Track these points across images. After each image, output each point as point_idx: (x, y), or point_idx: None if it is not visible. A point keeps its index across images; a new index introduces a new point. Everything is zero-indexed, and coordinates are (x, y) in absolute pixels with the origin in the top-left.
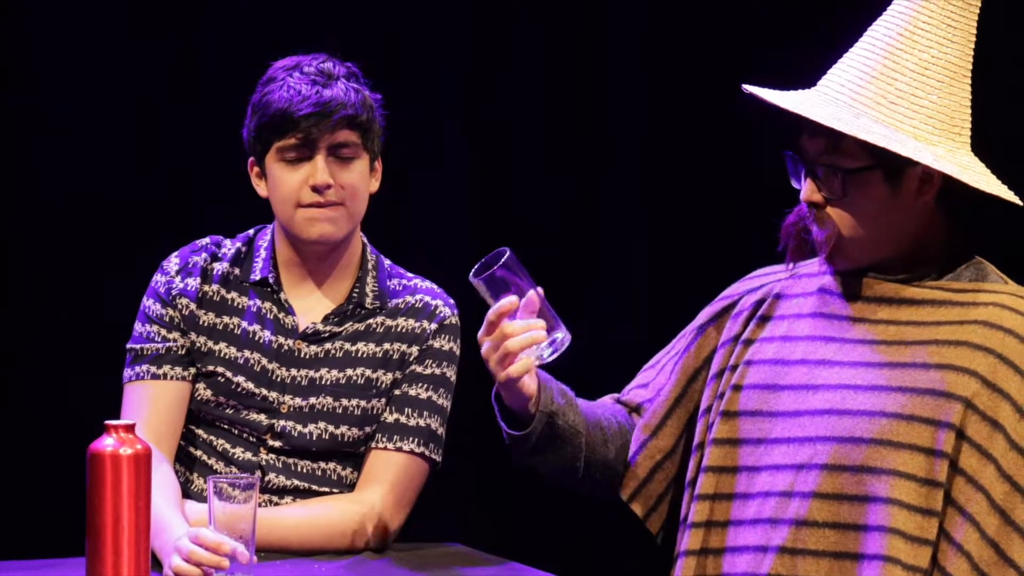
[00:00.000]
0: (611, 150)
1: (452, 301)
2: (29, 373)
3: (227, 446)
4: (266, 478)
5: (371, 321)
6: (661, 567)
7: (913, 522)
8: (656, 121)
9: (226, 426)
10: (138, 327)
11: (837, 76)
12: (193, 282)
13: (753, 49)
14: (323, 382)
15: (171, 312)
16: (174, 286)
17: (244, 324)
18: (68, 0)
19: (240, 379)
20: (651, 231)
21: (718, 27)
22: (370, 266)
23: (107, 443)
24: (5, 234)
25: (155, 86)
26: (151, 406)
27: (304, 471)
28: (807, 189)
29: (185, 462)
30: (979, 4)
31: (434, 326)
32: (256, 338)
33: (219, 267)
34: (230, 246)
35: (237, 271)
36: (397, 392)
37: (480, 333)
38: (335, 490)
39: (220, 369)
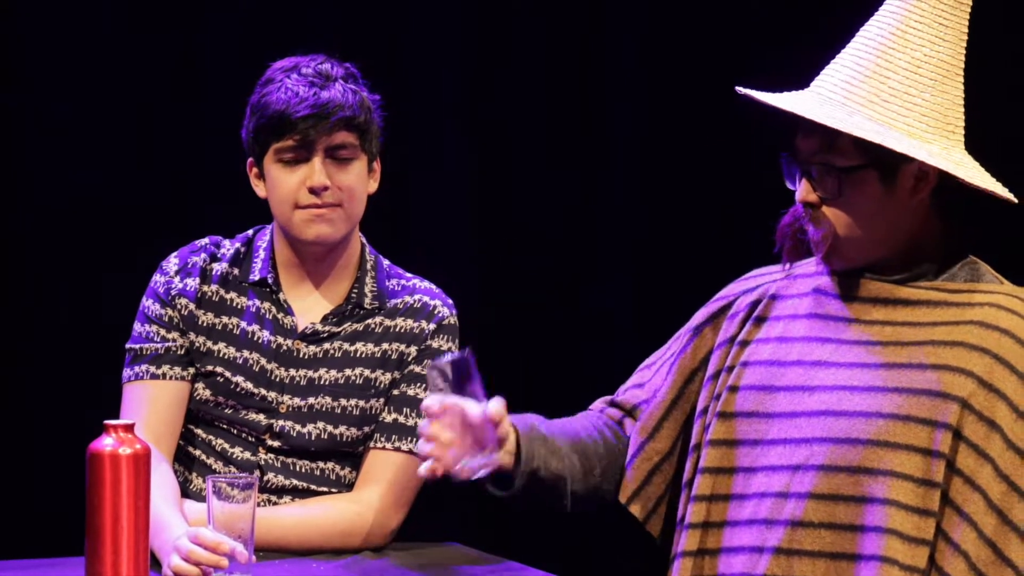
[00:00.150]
0: (611, 150)
1: (451, 301)
2: (29, 373)
3: (226, 446)
4: (265, 478)
5: (370, 321)
6: (660, 567)
7: (910, 522)
8: (656, 121)
9: (225, 426)
10: (137, 327)
11: (830, 76)
12: (192, 282)
13: (753, 49)
14: (322, 382)
15: (170, 312)
16: (173, 286)
17: (243, 324)
18: (68, 0)
19: (239, 379)
20: (651, 231)
21: (718, 27)
22: (369, 266)
23: (106, 443)
24: (5, 234)
25: (155, 86)
26: (150, 406)
27: (303, 471)
28: (802, 189)
29: (184, 462)
30: (970, 3)
31: (432, 326)
32: (255, 338)
33: (218, 267)
34: (229, 246)
35: (236, 271)
36: (396, 392)
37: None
38: (334, 490)
39: (219, 369)
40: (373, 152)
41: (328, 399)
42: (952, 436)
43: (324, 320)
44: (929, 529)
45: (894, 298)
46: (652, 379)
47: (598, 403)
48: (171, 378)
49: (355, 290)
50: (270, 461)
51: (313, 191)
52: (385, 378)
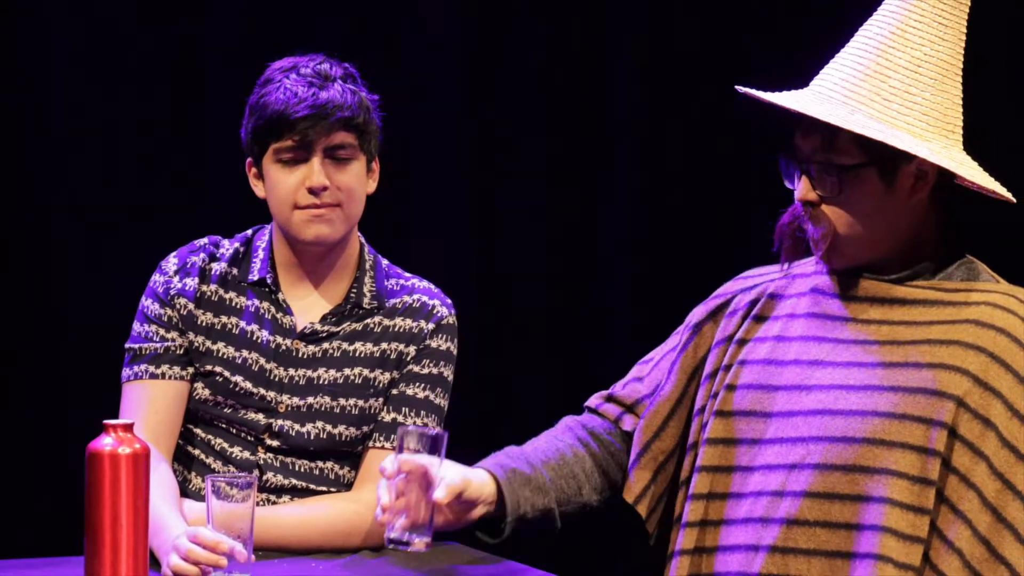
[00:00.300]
0: (611, 150)
1: (449, 301)
2: (29, 373)
3: (225, 445)
4: (264, 477)
5: (369, 321)
6: (660, 567)
7: (905, 520)
8: (656, 122)
9: (224, 425)
10: (136, 327)
11: (831, 75)
12: (191, 282)
13: (752, 49)
14: (321, 382)
15: (169, 312)
16: (172, 286)
17: (242, 324)
18: (69, 0)
19: (238, 379)
20: (651, 231)
21: (718, 27)
22: (367, 266)
23: (105, 442)
24: (5, 234)
25: (155, 86)
26: (149, 406)
27: (302, 470)
28: (802, 188)
29: (183, 461)
30: (969, 3)
31: (431, 326)
32: (254, 338)
33: (217, 267)
34: (228, 246)
35: (235, 271)
36: (394, 392)
37: (391, 474)
38: (332, 489)
39: (218, 369)
40: (372, 152)
41: (327, 399)
42: (948, 434)
43: (323, 320)
44: (924, 527)
45: (891, 297)
46: (651, 374)
47: (594, 399)
48: (170, 378)
49: (354, 290)
50: (269, 460)
51: (312, 191)
52: (384, 378)
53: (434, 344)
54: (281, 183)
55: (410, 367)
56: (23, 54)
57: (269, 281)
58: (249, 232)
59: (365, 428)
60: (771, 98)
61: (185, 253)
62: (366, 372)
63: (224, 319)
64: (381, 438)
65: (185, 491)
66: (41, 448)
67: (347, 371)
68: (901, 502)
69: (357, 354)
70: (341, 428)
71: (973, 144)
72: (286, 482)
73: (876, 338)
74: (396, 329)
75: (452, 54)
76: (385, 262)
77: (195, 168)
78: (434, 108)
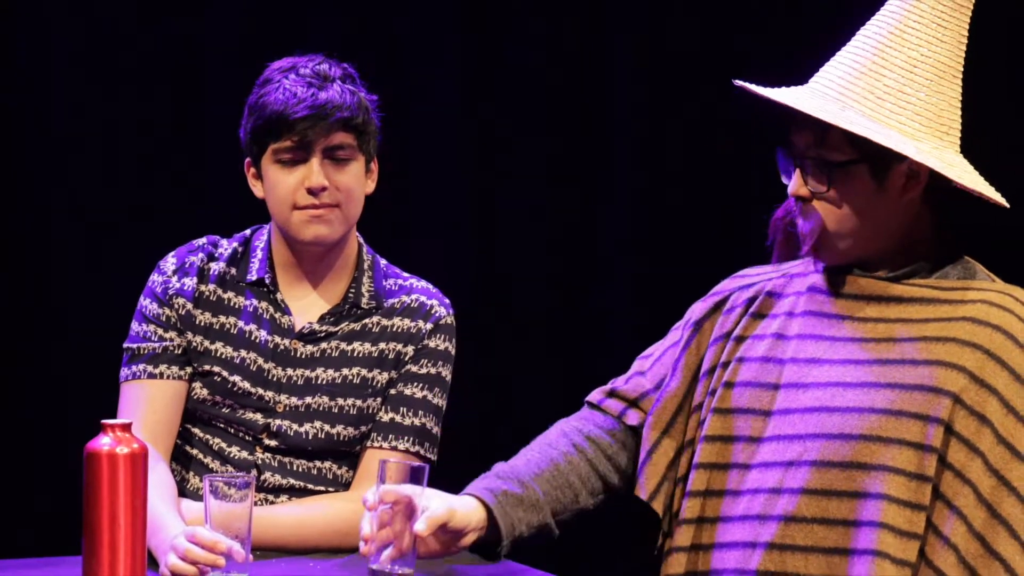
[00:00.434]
0: (611, 150)
1: (447, 301)
2: (29, 373)
3: (223, 445)
4: (262, 477)
5: (367, 321)
6: (658, 567)
7: (902, 517)
8: (656, 122)
9: (222, 425)
10: (135, 326)
11: (828, 72)
12: (190, 282)
13: (753, 49)
14: (319, 381)
15: (168, 312)
16: (171, 286)
17: (240, 324)
18: (68, 0)
19: (236, 378)
20: (651, 231)
21: (717, 27)
22: (366, 266)
23: (104, 442)
24: (5, 234)
25: (155, 86)
26: (147, 405)
27: (300, 470)
28: (794, 182)
29: (181, 461)
30: (971, 6)
31: (429, 326)
32: (252, 338)
33: (216, 267)
34: (227, 246)
35: (234, 271)
36: (392, 391)
37: (372, 506)
38: (330, 489)
39: (216, 368)
40: (371, 152)
41: (325, 398)
42: (944, 431)
43: (321, 320)
44: (920, 523)
45: (887, 295)
46: (653, 368)
47: (595, 394)
48: (168, 377)
49: (352, 290)
50: (267, 460)
51: (311, 192)
52: (382, 377)
53: (432, 344)
54: (280, 183)
55: (408, 367)
56: (23, 54)
57: (267, 281)
58: (247, 232)
59: (363, 428)
60: (765, 92)
61: (183, 253)
62: (364, 372)
63: (222, 319)
64: (379, 438)
65: (183, 491)
66: (41, 448)
67: (345, 371)
68: (898, 498)
69: (355, 354)
70: (339, 428)
71: (974, 145)
72: (284, 482)
73: (873, 336)
74: (394, 329)
75: (452, 54)
76: (383, 262)
77: (195, 168)
78: (434, 108)
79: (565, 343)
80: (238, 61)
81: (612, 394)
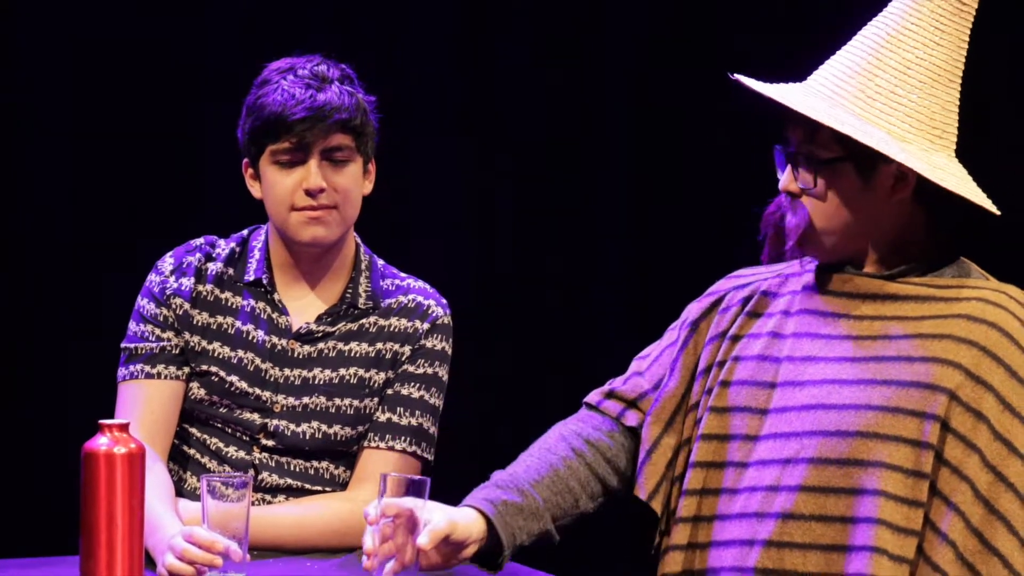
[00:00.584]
0: (611, 150)
1: (444, 301)
2: (29, 373)
3: (220, 445)
4: (259, 477)
5: (364, 321)
6: (656, 566)
7: (900, 513)
8: (656, 122)
9: (219, 425)
10: (132, 326)
11: (823, 71)
12: (187, 282)
13: (753, 49)
14: (316, 382)
15: (165, 312)
16: (168, 286)
17: (238, 324)
18: (69, 0)
19: (234, 378)
20: (650, 231)
21: (717, 27)
22: (363, 266)
23: (101, 442)
24: (5, 234)
25: (154, 86)
26: (145, 405)
27: (297, 470)
28: (784, 178)
29: (179, 461)
30: (973, 12)
31: (426, 326)
32: (250, 338)
33: (213, 267)
34: (224, 246)
35: (231, 271)
36: (389, 391)
37: (374, 520)
38: (328, 489)
39: (214, 368)
40: (368, 153)
41: (322, 398)
42: (940, 427)
43: (318, 320)
44: (918, 519)
45: (883, 293)
46: (651, 368)
47: (594, 395)
48: (166, 377)
49: (349, 290)
50: (264, 460)
51: (309, 193)
52: (379, 377)
53: (429, 344)
54: (278, 184)
55: (405, 367)
56: (23, 54)
57: (265, 281)
58: (245, 232)
59: (360, 428)
60: (757, 87)
61: (181, 253)
62: (361, 372)
63: (220, 319)
64: (376, 438)
65: (180, 490)
66: (41, 448)
67: (342, 371)
68: (895, 495)
69: (352, 354)
70: (336, 428)
71: (975, 148)
72: (281, 482)
73: (869, 333)
74: (391, 329)
75: (451, 54)
76: (381, 262)
77: (194, 168)
78: (434, 108)
79: (565, 343)
80: (238, 61)
81: (610, 395)
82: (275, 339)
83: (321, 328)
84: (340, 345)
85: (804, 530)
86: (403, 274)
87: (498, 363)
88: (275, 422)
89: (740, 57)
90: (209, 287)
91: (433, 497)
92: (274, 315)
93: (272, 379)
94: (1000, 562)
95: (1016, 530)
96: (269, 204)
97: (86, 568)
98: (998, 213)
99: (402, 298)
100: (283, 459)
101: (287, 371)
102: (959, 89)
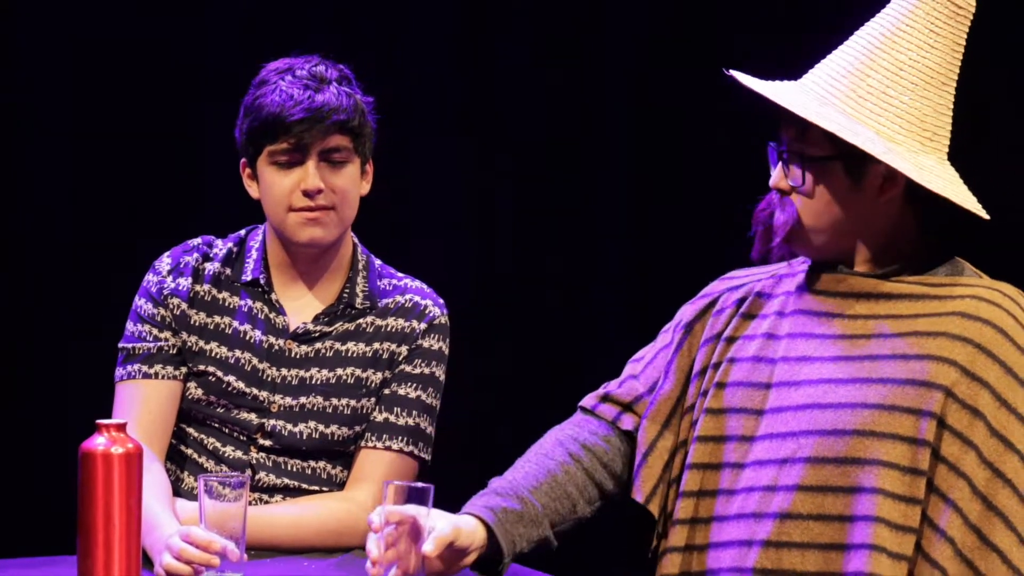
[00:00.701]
0: (611, 150)
1: (442, 301)
2: (29, 373)
3: (218, 445)
4: (256, 477)
5: (361, 321)
6: (654, 569)
7: (897, 511)
8: (655, 122)
9: (217, 425)
10: (130, 326)
11: (818, 70)
12: (184, 282)
13: (753, 49)
14: (313, 382)
15: (162, 312)
16: (165, 286)
17: (235, 324)
18: (68, 0)
19: (231, 378)
20: (650, 231)
21: (717, 27)
22: (360, 266)
23: (98, 442)
24: (5, 234)
25: (154, 86)
26: (142, 405)
27: (294, 470)
28: (775, 175)
29: (176, 460)
30: (969, 17)
31: (423, 326)
32: (247, 338)
33: (210, 267)
34: (221, 246)
35: (228, 271)
36: (386, 391)
37: (378, 527)
38: (325, 489)
39: (211, 368)
40: (366, 154)
41: (319, 398)
42: (936, 424)
43: (316, 320)
44: (915, 517)
45: (877, 292)
46: (646, 371)
47: (589, 399)
48: (163, 377)
49: (347, 290)
50: (262, 460)
51: (307, 194)
52: (376, 377)
53: (426, 344)
54: (276, 185)
55: (402, 367)
56: (23, 54)
57: (262, 281)
58: (242, 232)
59: (357, 428)
60: (749, 83)
61: (178, 253)
62: (358, 372)
63: (217, 319)
64: (373, 438)
65: (178, 490)
66: (41, 448)
67: (339, 371)
68: (893, 493)
69: (349, 354)
70: (333, 428)
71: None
72: (278, 481)
73: (863, 332)
74: (388, 329)
75: (451, 54)
76: (378, 262)
77: (194, 168)
78: (434, 108)
79: (565, 343)
80: (237, 61)
81: (605, 399)
82: (272, 339)
83: (318, 328)
84: (337, 345)
85: (802, 529)
86: (400, 274)
87: (498, 363)
88: (272, 422)
89: (740, 57)
90: (206, 287)
91: (434, 496)
92: (271, 315)
93: (269, 379)
94: (999, 558)
95: (1014, 525)
96: (267, 204)
97: (83, 568)
98: (986, 217)
99: (399, 298)
100: (280, 459)
101: (284, 371)
102: (953, 92)
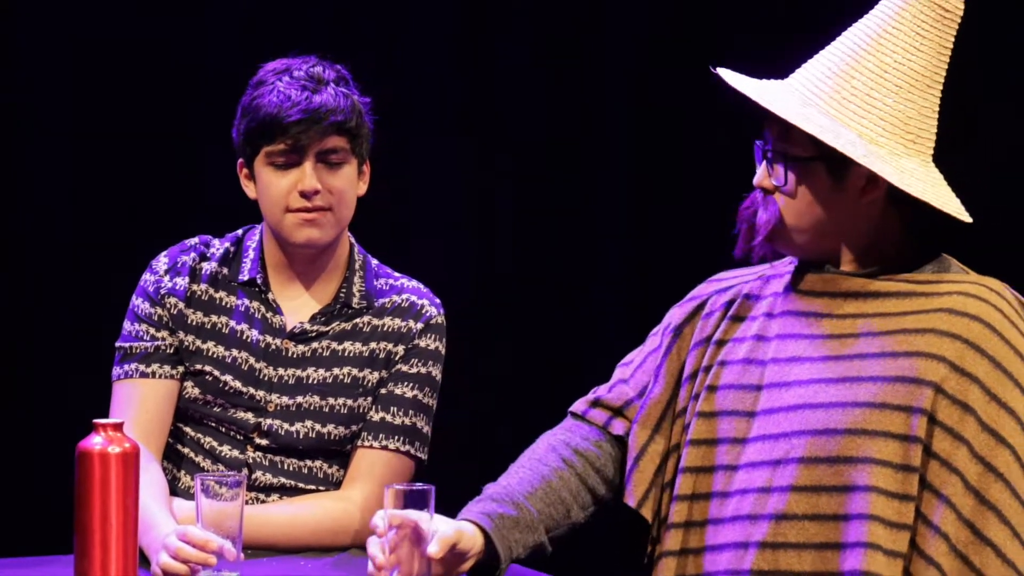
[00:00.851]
0: (611, 151)
1: (438, 301)
2: (29, 373)
3: (214, 444)
4: (253, 476)
5: (358, 320)
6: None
7: (891, 508)
8: (655, 122)
9: (214, 424)
10: (127, 326)
11: (804, 71)
12: (182, 281)
13: (753, 49)
14: (310, 381)
15: (160, 311)
16: (163, 285)
17: (232, 323)
18: (68, 0)
19: (228, 378)
20: (651, 231)
21: (717, 27)
22: (357, 266)
23: (95, 441)
24: (5, 234)
25: (154, 86)
26: (139, 404)
27: (291, 469)
28: (759, 173)
29: (173, 460)
30: (957, 20)
31: (420, 325)
32: (244, 337)
33: (208, 267)
34: (219, 246)
35: (225, 271)
36: (383, 391)
37: (382, 532)
38: (321, 488)
39: (208, 368)
40: (363, 155)
41: (316, 398)
42: (927, 421)
43: (312, 319)
44: (909, 514)
45: (865, 291)
46: (635, 375)
47: (579, 404)
48: (160, 377)
49: (343, 290)
50: (258, 459)
51: (304, 195)
52: (373, 377)
53: (423, 344)
54: (273, 186)
55: (399, 366)
56: (23, 54)
57: (259, 281)
58: (239, 232)
59: (354, 427)
60: (733, 82)
61: (176, 252)
62: (355, 371)
63: (214, 318)
64: (370, 437)
65: (175, 489)
66: (41, 448)
67: (336, 370)
68: (886, 490)
69: (346, 353)
70: (330, 427)
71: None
72: (275, 481)
73: (852, 331)
74: (385, 328)
75: (451, 54)
76: (375, 262)
77: (194, 168)
78: (434, 108)
79: (565, 343)
80: (237, 61)
81: (596, 404)
82: (269, 338)
83: (315, 328)
84: (334, 344)
85: (798, 530)
86: (397, 273)
87: (498, 363)
88: (269, 421)
89: (740, 57)
90: (203, 286)
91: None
92: (268, 314)
93: (266, 378)
94: (993, 552)
95: (1007, 519)
96: (264, 205)
97: (80, 567)
98: (968, 220)
99: (396, 298)
100: (277, 458)
101: (281, 370)
102: (939, 95)
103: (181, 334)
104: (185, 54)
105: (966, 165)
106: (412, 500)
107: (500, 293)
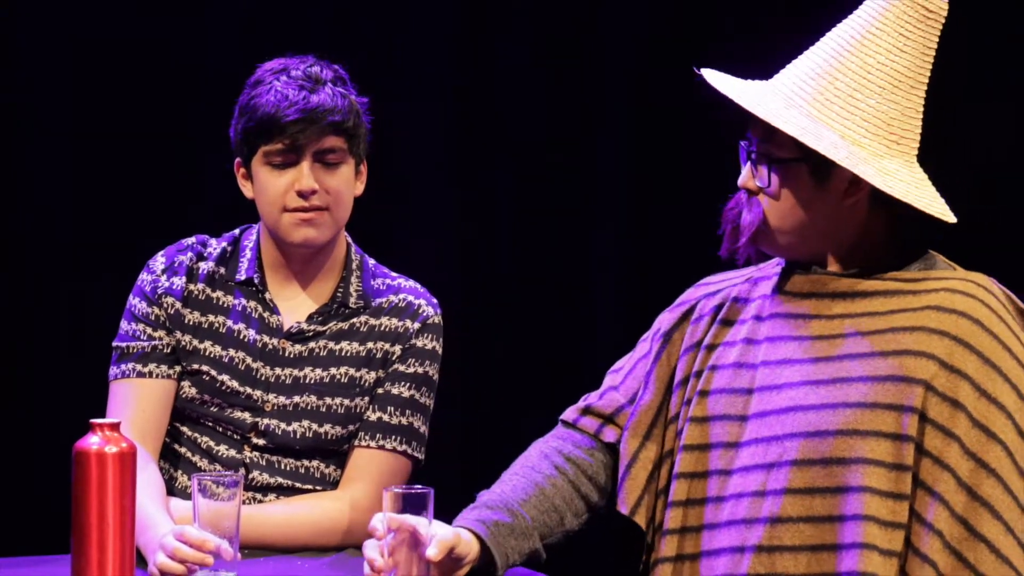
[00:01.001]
0: (610, 151)
1: (435, 301)
2: (28, 373)
3: (211, 444)
4: (250, 476)
5: (355, 320)
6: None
7: (885, 507)
8: (654, 122)
9: (210, 424)
10: (124, 325)
11: (787, 72)
12: (179, 281)
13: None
14: (307, 381)
15: (157, 311)
16: (160, 285)
17: (229, 323)
18: (68, 0)
19: (225, 377)
20: (650, 232)
21: (717, 28)
22: (354, 266)
23: (92, 441)
24: (5, 234)
25: (154, 86)
26: (136, 404)
27: (288, 469)
28: (743, 174)
29: (170, 459)
30: (941, 21)
31: (417, 325)
32: (241, 337)
33: (205, 266)
34: (216, 245)
35: (223, 270)
36: (380, 391)
37: (381, 535)
38: (318, 488)
39: (205, 367)
40: (360, 155)
41: (313, 398)
42: (918, 419)
43: (309, 319)
44: (903, 512)
45: (853, 291)
46: (625, 382)
47: (570, 412)
48: (157, 376)
49: (340, 289)
50: (255, 459)
51: (301, 195)
52: (370, 377)
53: (419, 343)
54: (270, 185)
55: (395, 366)
56: (23, 54)
57: (256, 281)
58: (237, 231)
59: (351, 427)
60: (716, 83)
61: (173, 252)
62: (352, 371)
63: (211, 318)
64: (367, 437)
65: (171, 489)
66: (40, 448)
67: (333, 370)
68: (879, 490)
69: (343, 353)
70: (327, 427)
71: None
72: (272, 480)
73: (841, 332)
74: (382, 328)
75: (451, 54)
76: (372, 262)
77: (194, 168)
78: (433, 108)
79: (565, 343)
80: (237, 61)
81: (586, 411)
82: (266, 338)
83: (312, 327)
84: (331, 344)
85: (793, 532)
86: (394, 273)
87: (497, 363)
88: (266, 421)
89: (740, 57)
90: (200, 286)
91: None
92: (265, 314)
93: (263, 378)
94: (987, 547)
95: (1000, 515)
96: (261, 204)
97: (77, 567)
98: (952, 220)
99: (393, 297)
100: (274, 458)
101: (278, 370)
102: (923, 96)
103: (178, 334)
104: (185, 54)
105: (951, 165)
106: (411, 503)
107: (499, 293)
